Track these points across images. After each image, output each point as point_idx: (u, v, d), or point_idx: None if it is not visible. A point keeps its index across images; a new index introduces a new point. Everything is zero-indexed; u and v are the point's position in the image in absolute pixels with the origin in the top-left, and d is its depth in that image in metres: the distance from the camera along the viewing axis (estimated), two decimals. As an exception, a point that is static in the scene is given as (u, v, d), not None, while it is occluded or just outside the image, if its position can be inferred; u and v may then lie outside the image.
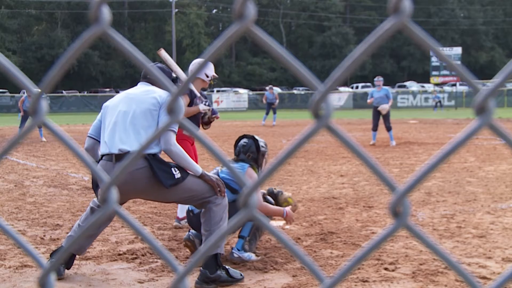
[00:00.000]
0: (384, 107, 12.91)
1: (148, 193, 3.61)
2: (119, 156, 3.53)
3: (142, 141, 3.52)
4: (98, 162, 3.68)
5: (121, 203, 3.68)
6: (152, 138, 0.67)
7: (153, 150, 3.52)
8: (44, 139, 15.77)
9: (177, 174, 3.54)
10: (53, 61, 45.89)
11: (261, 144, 4.51)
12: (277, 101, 23.43)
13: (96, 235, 3.98)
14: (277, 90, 50.37)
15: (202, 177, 3.64)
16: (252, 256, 4.12)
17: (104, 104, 3.88)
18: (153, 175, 3.46)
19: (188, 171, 3.61)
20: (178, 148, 3.52)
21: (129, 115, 3.59)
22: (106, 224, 4.02)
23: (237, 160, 4.42)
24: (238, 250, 4.13)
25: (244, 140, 4.53)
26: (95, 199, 3.91)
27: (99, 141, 3.77)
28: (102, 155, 3.65)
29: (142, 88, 3.83)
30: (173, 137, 3.52)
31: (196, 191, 3.62)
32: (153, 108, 3.60)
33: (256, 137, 4.59)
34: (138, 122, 3.56)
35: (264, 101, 23.82)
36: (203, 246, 0.56)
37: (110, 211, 0.67)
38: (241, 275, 3.72)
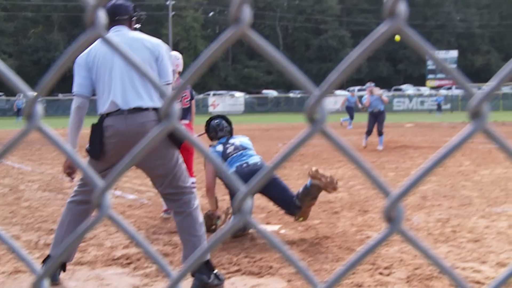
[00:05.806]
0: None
1: (152, 149, 3.53)
2: (133, 110, 3.45)
3: (153, 95, 3.51)
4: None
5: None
6: (148, 143, 0.66)
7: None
8: None
9: None
10: (50, 64, 45.76)
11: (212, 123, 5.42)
12: (359, 105, 22.57)
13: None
14: (284, 92, 50.43)
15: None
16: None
17: (81, 59, 3.54)
18: None
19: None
20: None
21: (129, 68, 3.42)
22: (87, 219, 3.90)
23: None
24: None
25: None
26: (73, 196, 3.76)
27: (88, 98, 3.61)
28: (108, 113, 3.49)
29: (122, 35, 3.54)
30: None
31: (181, 169, 3.62)
32: (147, 58, 3.47)
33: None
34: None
35: (342, 105, 23.07)
36: (197, 251, 0.56)
37: (103, 216, 0.66)
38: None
